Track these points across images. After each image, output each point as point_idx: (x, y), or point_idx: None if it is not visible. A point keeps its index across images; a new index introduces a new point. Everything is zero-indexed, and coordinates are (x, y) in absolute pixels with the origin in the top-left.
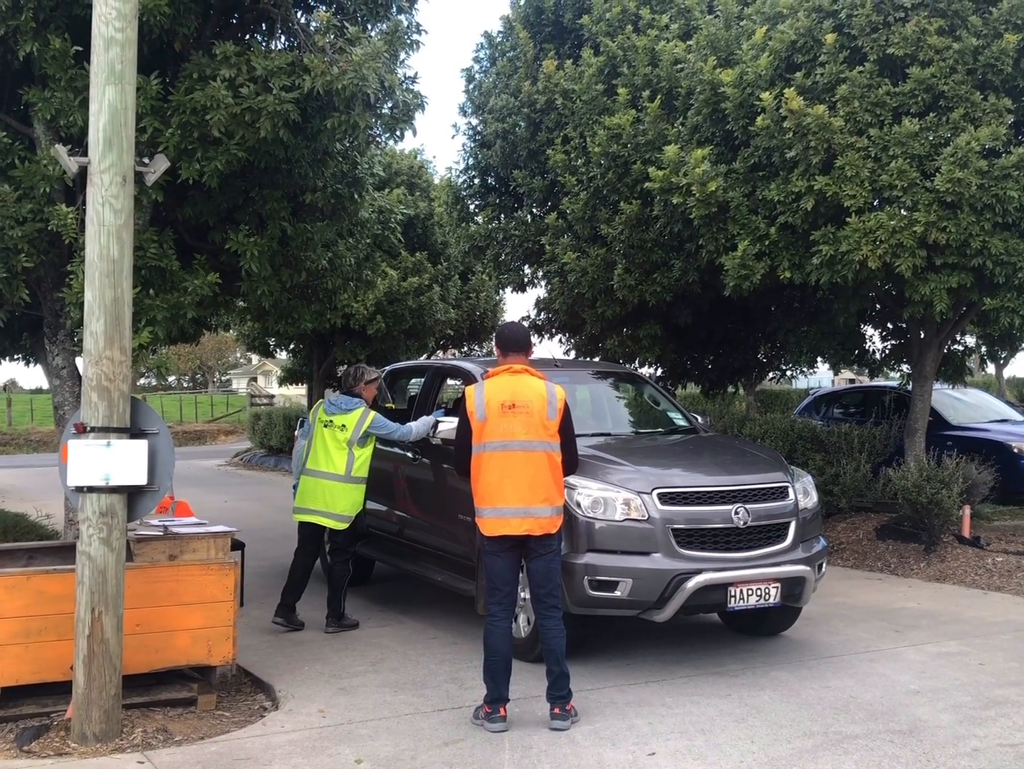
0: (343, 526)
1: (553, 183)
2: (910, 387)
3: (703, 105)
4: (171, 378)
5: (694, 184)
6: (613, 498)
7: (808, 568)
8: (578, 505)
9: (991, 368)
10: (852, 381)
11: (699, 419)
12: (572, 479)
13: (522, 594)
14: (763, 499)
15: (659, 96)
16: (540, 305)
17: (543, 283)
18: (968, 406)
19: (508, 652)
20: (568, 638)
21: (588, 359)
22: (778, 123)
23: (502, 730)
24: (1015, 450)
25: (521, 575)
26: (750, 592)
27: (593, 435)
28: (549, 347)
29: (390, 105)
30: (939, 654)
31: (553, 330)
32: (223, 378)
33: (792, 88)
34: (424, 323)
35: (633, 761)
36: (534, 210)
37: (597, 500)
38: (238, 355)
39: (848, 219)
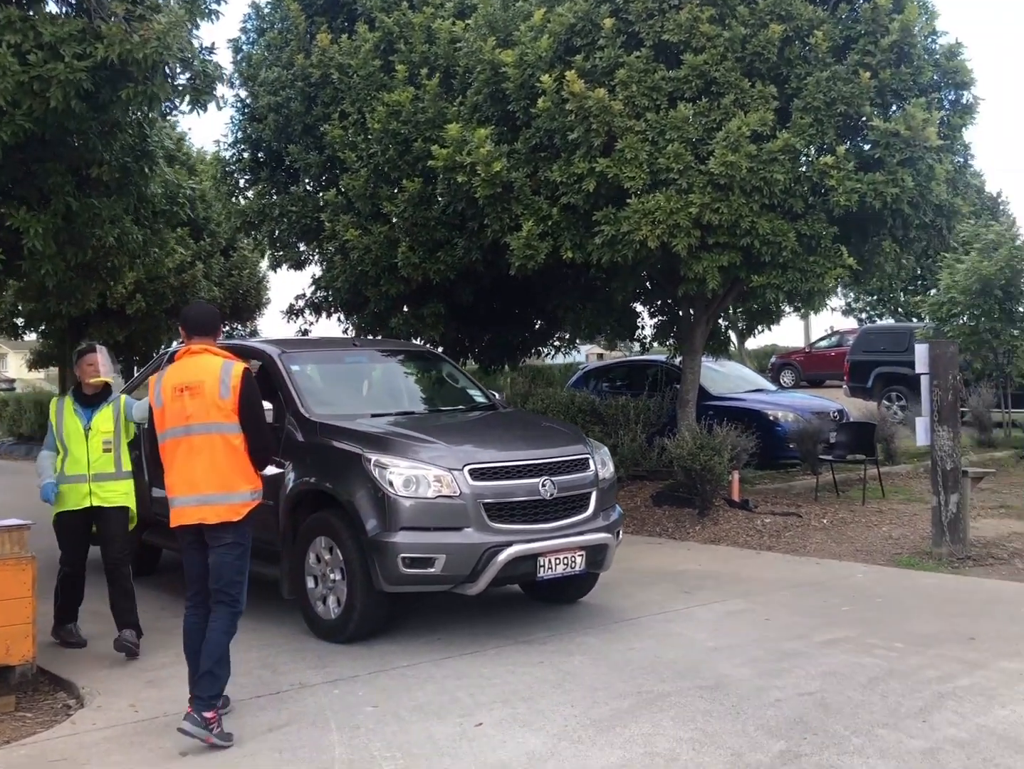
0: None
1: (330, 159)
2: (676, 360)
3: (483, 85)
4: None
5: (479, 164)
6: (424, 475)
7: (610, 535)
8: (390, 484)
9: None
10: (600, 356)
11: (496, 396)
12: (384, 458)
13: (332, 576)
14: (567, 471)
15: (437, 74)
16: (319, 283)
17: (318, 260)
18: (725, 377)
19: (197, 645)
20: (385, 616)
21: (378, 338)
22: (559, 105)
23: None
24: (771, 418)
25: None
26: (558, 561)
27: (397, 414)
28: (327, 326)
29: (188, 76)
30: (728, 612)
31: (332, 309)
32: None
33: (572, 71)
34: (187, 302)
35: (462, 733)
36: (309, 186)
37: (409, 478)
38: None
39: (628, 200)
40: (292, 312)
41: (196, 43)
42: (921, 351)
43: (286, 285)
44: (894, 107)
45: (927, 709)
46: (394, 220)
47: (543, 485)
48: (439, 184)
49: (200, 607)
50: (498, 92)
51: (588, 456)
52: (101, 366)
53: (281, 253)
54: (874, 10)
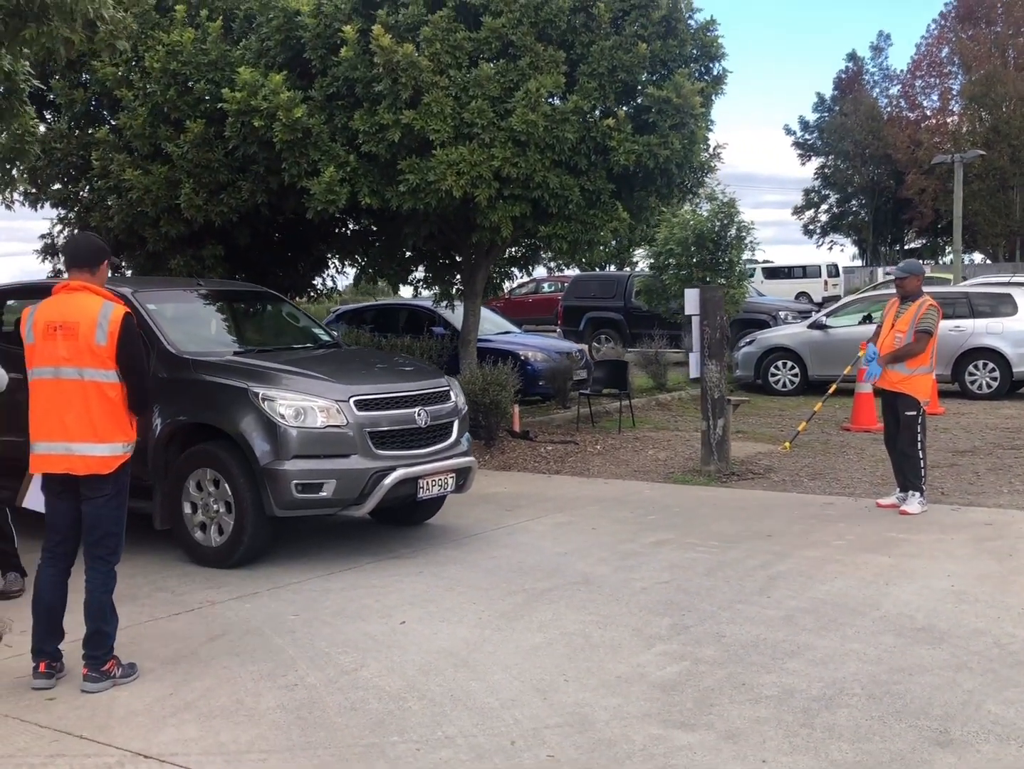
0: None
1: (97, 96)
2: (443, 304)
3: (275, 31)
4: None
5: (280, 109)
6: (312, 407)
7: (473, 459)
8: (281, 416)
9: None
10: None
11: (336, 334)
12: (271, 391)
13: (214, 505)
14: (436, 401)
15: (219, 17)
16: (84, 221)
17: (84, 199)
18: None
19: (51, 602)
20: (271, 540)
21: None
22: (361, 56)
23: (45, 687)
24: (523, 357)
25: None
26: (434, 483)
27: (259, 351)
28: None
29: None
30: (557, 524)
31: None
32: None
33: (378, 25)
34: None
35: (392, 630)
36: (68, 123)
37: (298, 410)
38: None
39: (434, 151)
40: (47, 252)
41: None
42: (692, 295)
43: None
44: (656, 76)
45: (766, 589)
46: (176, 160)
47: (418, 414)
48: (229, 128)
49: (59, 560)
50: (291, 39)
51: (448, 388)
52: None
53: (35, 192)
54: None
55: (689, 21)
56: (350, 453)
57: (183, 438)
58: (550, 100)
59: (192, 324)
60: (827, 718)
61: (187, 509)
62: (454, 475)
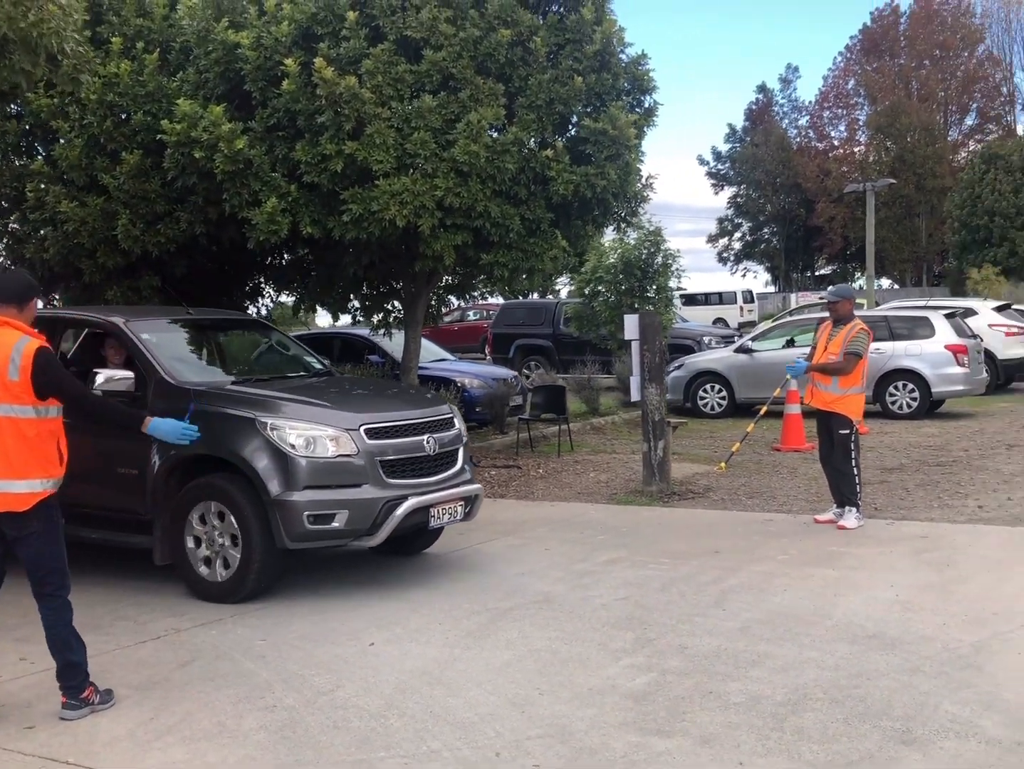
0: None
1: (31, 127)
2: (380, 333)
3: (214, 64)
4: None
5: (221, 140)
6: (322, 436)
7: (480, 486)
8: (291, 446)
9: None
10: None
11: (327, 362)
12: (280, 420)
13: (219, 540)
14: (441, 428)
15: (156, 49)
16: (7, 255)
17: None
18: None
19: None
20: (280, 573)
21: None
22: (303, 88)
23: None
24: (460, 384)
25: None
26: (445, 511)
27: (256, 380)
28: None
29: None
30: (509, 546)
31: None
32: None
33: (320, 58)
34: None
35: (362, 652)
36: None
37: (308, 439)
38: None
39: (377, 181)
40: None
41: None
42: (631, 321)
43: None
44: (591, 108)
45: (720, 602)
46: (113, 192)
47: (427, 442)
48: (169, 159)
49: None
50: (230, 71)
51: (452, 415)
52: None
53: None
54: (579, 21)
55: (621, 55)
56: (361, 483)
57: (184, 471)
58: (490, 132)
59: (186, 353)
60: (795, 721)
61: (190, 544)
62: (463, 502)
